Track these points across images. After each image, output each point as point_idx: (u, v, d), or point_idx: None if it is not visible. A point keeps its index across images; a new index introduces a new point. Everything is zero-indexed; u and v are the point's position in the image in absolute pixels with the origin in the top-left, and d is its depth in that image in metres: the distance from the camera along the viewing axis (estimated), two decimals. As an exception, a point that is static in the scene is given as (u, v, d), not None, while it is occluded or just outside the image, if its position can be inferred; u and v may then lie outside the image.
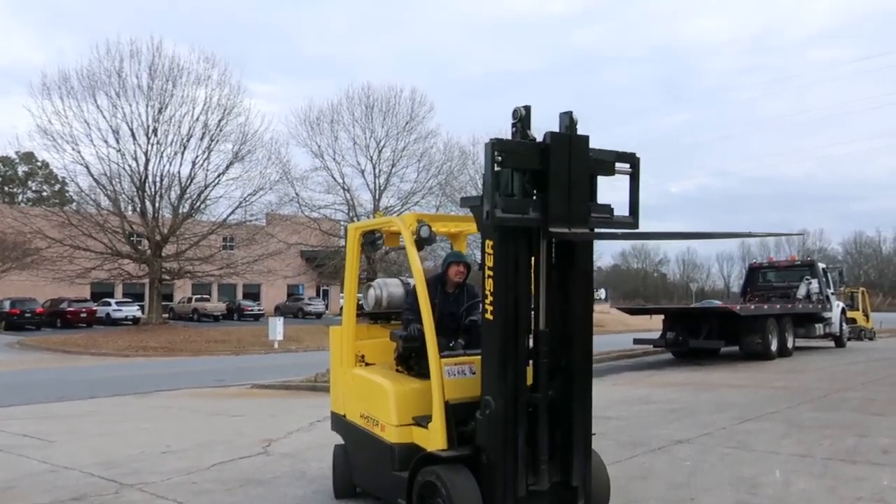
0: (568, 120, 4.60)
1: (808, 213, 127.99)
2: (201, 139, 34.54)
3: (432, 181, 40.91)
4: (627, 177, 4.80)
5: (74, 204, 38.61)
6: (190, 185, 35.14)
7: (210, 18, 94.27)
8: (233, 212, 36.56)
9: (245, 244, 39.00)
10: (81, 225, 33.69)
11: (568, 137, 4.55)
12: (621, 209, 4.78)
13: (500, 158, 4.33)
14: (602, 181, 4.79)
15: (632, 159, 4.78)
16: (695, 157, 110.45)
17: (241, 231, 38.86)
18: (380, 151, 39.99)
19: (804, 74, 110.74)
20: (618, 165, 4.78)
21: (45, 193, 62.96)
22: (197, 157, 34.68)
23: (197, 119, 34.31)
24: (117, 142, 33.65)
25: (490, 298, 4.42)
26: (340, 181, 39.82)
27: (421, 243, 5.22)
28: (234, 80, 36.89)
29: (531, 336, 4.61)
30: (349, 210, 40.08)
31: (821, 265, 22.66)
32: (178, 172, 34.80)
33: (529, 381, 4.59)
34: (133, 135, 33.69)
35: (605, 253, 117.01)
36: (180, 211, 35.45)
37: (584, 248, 4.75)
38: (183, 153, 34.48)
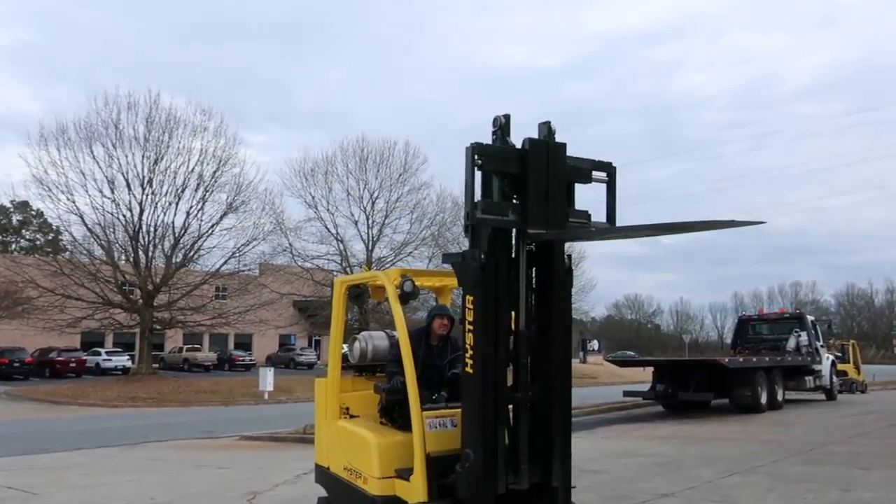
0: (546, 129, 4.81)
1: (800, 265, 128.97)
2: (196, 189, 34.81)
3: (425, 232, 41.22)
4: (605, 185, 5.01)
5: (67, 253, 38.67)
6: (184, 235, 35.29)
7: (205, 69, 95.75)
8: (226, 262, 36.65)
9: (237, 294, 38.99)
10: (74, 274, 33.68)
11: (546, 144, 4.75)
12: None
13: (479, 162, 4.51)
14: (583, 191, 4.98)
15: (608, 168, 4.99)
16: (685, 209, 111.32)
17: (233, 281, 38.88)
18: (373, 202, 40.36)
19: (791, 128, 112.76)
20: (595, 174, 4.98)
21: (38, 242, 62.98)
22: (191, 207, 34.91)
23: (192, 170, 34.64)
24: (112, 192, 33.89)
25: (470, 352, 4.54)
26: (334, 232, 40.09)
27: (405, 298, 5.35)
28: (230, 131, 37.25)
29: (512, 337, 4.71)
30: (342, 260, 40.24)
31: (810, 317, 22.82)
32: (172, 222, 34.98)
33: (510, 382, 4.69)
34: (128, 185, 33.96)
35: (599, 303, 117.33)
36: (173, 261, 35.52)
37: (562, 251, 4.87)
38: (177, 203, 34.70)
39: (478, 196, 4.58)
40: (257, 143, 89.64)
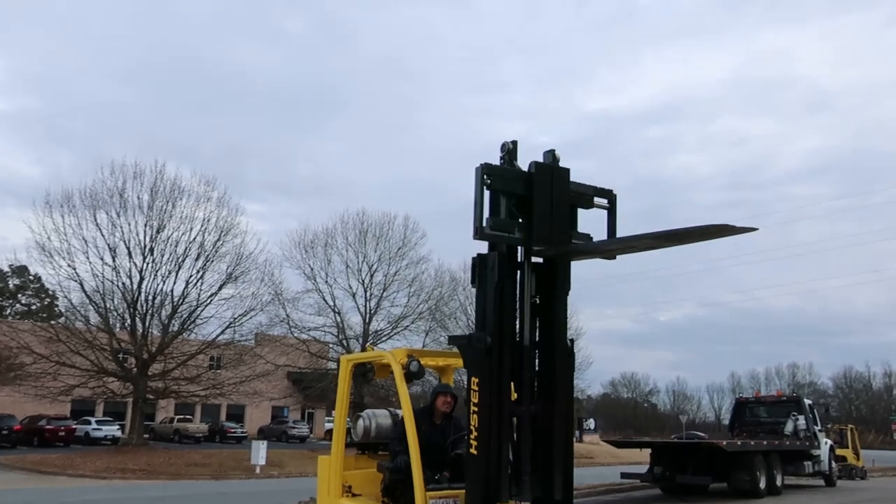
0: (551, 156, 5.07)
1: (797, 346, 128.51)
2: (197, 259, 35.05)
3: (422, 306, 41.27)
4: (606, 212, 5.23)
5: (63, 319, 38.58)
6: (182, 303, 35.35)
7: (204, 137, 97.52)
8: (223, 332, 36.59)
9: (233, 365, 38.76)
10: (70, 341, 33.56)
11: (550, 168, 5.01)
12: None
13: (488, 181, 4.75)
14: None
15: (609, 195, 5.25)
16: (682, 287, 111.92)
17: (229, 351, 38.71)
18: (371, 275, 40.58)
19: (784, 210, 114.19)
20: (597, 200, 5.22)
21: (34, 307, 62.86)
22: (191, 276, 35.07)
23: (194, 239, 34.97)
24: (113, 259, 34.09)
25: (475, 434, 4.66)
26: (331, 304, 40.15)
27: (410, 377, 5.50)
28: (232, 202, 37.76)
29: (515, 352, 4.87)
30: (339, 333, 40.17)
31: (807, 401, 22.76)
32: (172, 291, 35.09)
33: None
34: (130, 253, 34.20)
35: (595, 382, 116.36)
36: (170, 329, 35.46)
37: (564, 270, 5.07)
38: (177, 272, 34.88)
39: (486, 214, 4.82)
40: (255, 213, 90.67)
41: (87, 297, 34.46)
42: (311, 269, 39.81)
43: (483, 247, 4.97)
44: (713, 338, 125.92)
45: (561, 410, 4.91)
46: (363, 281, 40.52)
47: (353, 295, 40.47)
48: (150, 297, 34.82)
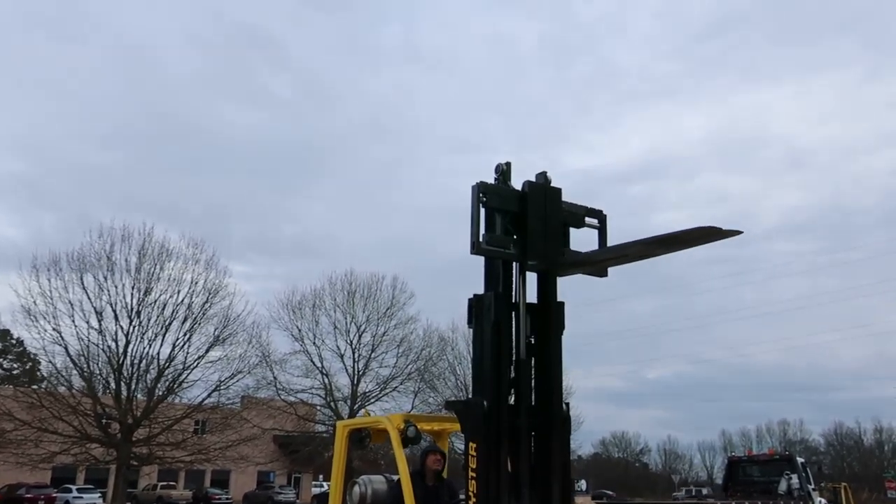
0: (543, 177, 5.30)
1: (787, 403, 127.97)
2: (184, 321, 34.82)
3: (411, 367, 41.07)
4: (597, 232, 5.44)
5: (45, 383, 37.98)
6: (168, 367, 34.96)
7: (186, 198, 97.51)
8: (209, 395, 36.12)
9: (218, 429, 38.13)
10: (52, 406, 32.98)
11: (543, 187, 5.23)
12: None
13: (484, 199, 4.97)
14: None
15: (599, 215, 5.48)
16: (670, 345, 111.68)
17: (215, 415, 38.13)
18: (360, 336, 40.47)
19: (766, 267, 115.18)
20: (588, 220, 5.44)
21: (15, 371, 61.83)
22: (178, 339, 34.77)
23: (181, 302, 34.80)
24: (99, 322, 33.80)
25: (473, 500, 4.67)
26: (319, 365, 39.90)
27: (407, 442, 5.52)
28: (220, 264, 37.79)
29: (512, 367, 4.98)
30: (326, 395, 39.79)
31: (800, 459, 22.65)
32: (158, 354, 34.74)
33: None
34: (116, 316, 33.94)
35: (585, 441, 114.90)
36: (156, 393, 34.98)
37: (555, 284, 5.24)
38: (164, 335, 34.60)
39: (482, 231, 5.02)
40: (239, 273, 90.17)
41: (72, 360, 34.02)
42: (299, 330, 39.73)
43: (479, 287, 5.09)
44: (703, 395, 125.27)
45: (557, 476, 4.93)
46: (351, 342, 40.42)
47: (342, 356, 40.29)
48: (136, 361, 34.44)
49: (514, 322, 5.03)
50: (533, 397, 5.06)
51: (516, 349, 5.00)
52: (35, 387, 37.53)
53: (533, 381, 5.08)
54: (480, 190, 4.96)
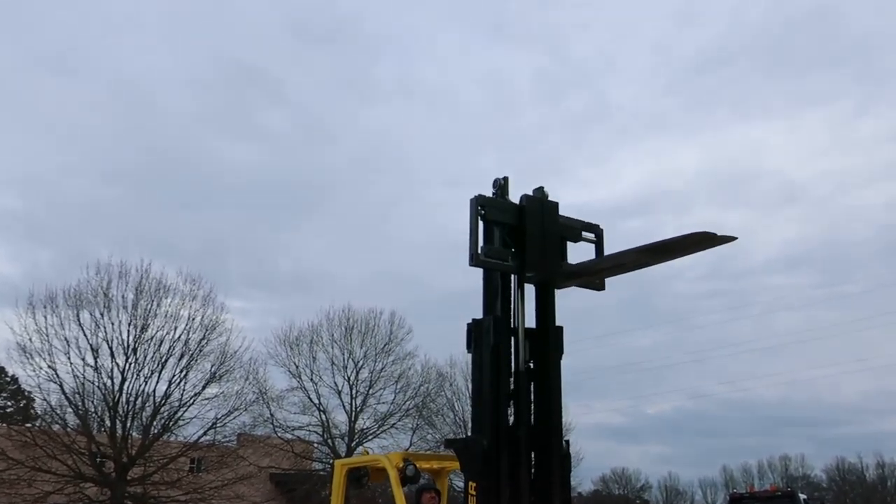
0: (541, 192, 5.38)
1: (788, 438, 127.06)
2: (180, 358, 34.61)
3: (409, 403, 40.78)
4: (593, 246, 5.46)
5: (40, 421, 37.60)
6: (164, 404, 34.67)
7: (183, 234, 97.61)
8: (205, 433, 35.76)
9: (215, 468, 37.67)
10: (47, 445, 32.61)
11: (541, 201, 5.32)
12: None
13: (482, 212, 5.04)
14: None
15: (596, 230, 5.51)
16: (669, 380, 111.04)
17: (211, 453, 37.70)
18: (357, 372, 40.25)
19: (764, 300, 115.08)
20: (584, 234, 5.46)
21: (9, 409, 61.26)
22: (174, 375, 34.51)
23: (178, 338, 34.62)
24: (95, 360, 33.58)
25: (474, 540, 4.63)
26: (316, 402, 39.61)
27: (406, 481, 5.48)
28: (218, 300, 37.73)
29: (512, 377, 5.03)
30: (324, 432, 39.45)
31: (802, 496, 22.46)
32: (154, 391, 34.47)
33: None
34: (112, 353, 33.72)
35: (585, 478, 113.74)
36: (151, 431, 34.63)
37: (553, 299, 5.29)
38: (160, 372, 34.35)
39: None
40: (236, 309, 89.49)
41: (67, 398, 33.72)
42: (296, 367, 39.52)
43: (478, 312, 5.09)
44: (703, 430, 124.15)
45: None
46: (349, 378, 40.17)
47: (339, 392, 40.02)
48: (132, 398, 34.13)
49: (513, 346, 5.07)
50: (533, 424, 5.07)
51: (515, 375, 5.03)
52: (29, 425, 37.14)
53: (532, 409, 5.09)
54: (479, 203, 5.05)
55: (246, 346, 37.82)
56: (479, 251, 4.98)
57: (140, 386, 34.16)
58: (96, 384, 33.62)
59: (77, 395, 33.52)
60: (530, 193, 5.38)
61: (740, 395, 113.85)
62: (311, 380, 39.56)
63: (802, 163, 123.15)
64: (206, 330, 35.32)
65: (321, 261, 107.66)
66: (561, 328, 5.25)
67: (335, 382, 40.03)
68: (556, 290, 5.24)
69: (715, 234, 4.47)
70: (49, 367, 32.90)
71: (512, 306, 5.22)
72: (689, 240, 4.52)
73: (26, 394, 51.20)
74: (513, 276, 5.22)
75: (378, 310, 41.60)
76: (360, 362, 40.27)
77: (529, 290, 5.24)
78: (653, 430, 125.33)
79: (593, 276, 5.31)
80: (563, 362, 5.21)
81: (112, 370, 33.75)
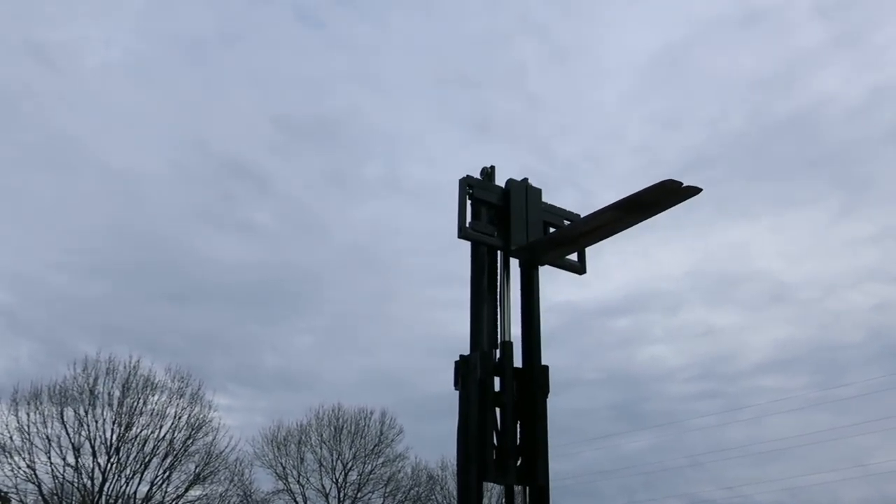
0: (525, 181, 5.66)
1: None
2: (164, 458, 33.73)
3: (398, 507, 39.51)
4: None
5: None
6: (144, 507, 33.51)
7: (168, 330, 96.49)
8: (187, 539, 34.42)
9: (195, 577, 36.05)
10: (21, 551, 31.26)
11: (525, 185, 5.62)
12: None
13: (470, 191, 5.38)
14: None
15: (577, 218, 5.70)
16: (666, 484, 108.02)
17: (192, 561, 36.16)
18: (346, 474, 39.17)
19: (757, 403, 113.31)
20: (566, 223, 5.69)
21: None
22: (157, 476, 33.55)
23: (163, 437, 33.84)
24: (76, 459, 32.67)
25: None
26: (303, 505, 38.32)
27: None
28: (206, 398, 37.08)
29: (497, 349, 5.25)
30: (310, 538, 37.98)
31: None
32: (135, 493, 33.38)
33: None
34: (94, 452, 32.87)
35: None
36: (131, 536, 33.31)
37: (536, 276, 5.56)
38: (143, 473, 33.39)
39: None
40: (221, 406, 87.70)
41: (44, 500, 32.61)
42: (283, 468, 38.46)
43: (465, 348, 5.24)
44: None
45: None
46: (337, 480, 39.05)
47: (326, 495, 38.82)
48: (112, 500, 32.99)
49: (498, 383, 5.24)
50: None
51: (502, 408, 5.15)
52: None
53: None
54: (467, 183, 5.38)
55: (232, 445, 37.01)
56: (468, 226, 5.32)
57: (121, 487, 33.10)
58: (76, 485, 32.58)
59: (55, 497, 32.41)
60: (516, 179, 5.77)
61: (739, 500, 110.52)
62: (298, 482, 38.46)
63: (789, 264, 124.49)
64: (193, 429, 34.58)
65: (308, 357, 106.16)
66: (547, 367, 5.46)
67: (323, 485, 38.92)
68: (542, 292, 5.56)
69: (680, 183, 4.72)
70: (28, 466, 31.99)
71: (498, 283, 5.50)
72: (657, 190, 4.72)
73: (2, 494, 49.43)
74: (498, 254, 5.50)
75: (368, 409, 40.92)
76: (349, 464, 39.27)
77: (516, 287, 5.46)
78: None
79: (575, 243, 5.55)
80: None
81: (93, 470, 32.77)
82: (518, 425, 5.19)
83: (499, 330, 5.41)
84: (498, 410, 5.24)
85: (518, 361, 5.30)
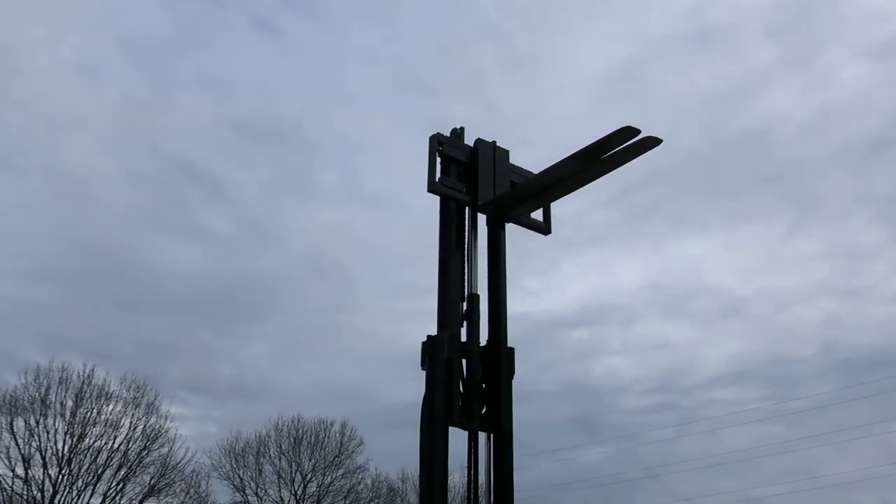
0: (493, 143, 5.84)
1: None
2: (118, 470, 32.97)
3: (358, 519, 39.13)
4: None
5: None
6: (97, 521, 32.67)
7: (118, 337, 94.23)
8: (141, 553, 33.59)
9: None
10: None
11: (493, 145, 5.83)
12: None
13: (440, 148, 5.54)
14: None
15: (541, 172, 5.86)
16: (623, 496, 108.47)
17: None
18: (305, 486, 38.68)
19: (711, 415, 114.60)
20: None
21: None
22: (109, 489, 32.76)
23: (117, 448, 33.09)
24: (26, 471, 31.75)
25: None
26: (261, 518, 37.72)
27: None
28: (163, 408, 36.35)
29: (464, 302, 5.42)
30: (268, 552, 37.37)
31: None
32: (87, 507, 32.54)
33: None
34: (45, 464, 31.99)
35: None
36: (83, 551, 32.41)
37: (502, 232, 5.75)
38: (95, 485, 32.58)
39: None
40: (174, 415, 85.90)
41: (-9, 514, 31.60)
42: (241, 479, 37.85)
43: (433, 328, 5.32)
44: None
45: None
46: (296, 492, 38.53)
47: (285, 508, 38.25)
48: (63, 514, 32.10)
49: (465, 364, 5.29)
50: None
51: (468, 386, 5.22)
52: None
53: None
54: (437, 140, 5.56)
55: (189, 457, 36.33)
56: (437, 181, 5.48)
57: (72, 499, 32.23)
58: (25, 497, 31.62)
59: (3, 510, 31.44)
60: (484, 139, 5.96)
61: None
62: (256, 494, 37.87)
63: (741, 280, 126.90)
64: (148, 440, 33.88)
65: (262, 367, 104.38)
66: (513, 349, 5.55)
67: (281, 497, 38.36)
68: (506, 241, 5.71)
69: (639, 130, 4.89)
70: (-26, 478, 31.00)
71: (466, 238, 5.66)
72: (617, 136, 4.89)
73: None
74: (466, 211, 5.65)
75: (328, 420, 40.53)
76: (309, 475, 38.80)
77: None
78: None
79: (540, 197, 5.67)
80: (514, 374, 5.51)
81: (43, 482, 31.85)
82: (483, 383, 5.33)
83: (465, 283, 5.52)
84: (465, 361, 5.33)
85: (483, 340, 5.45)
